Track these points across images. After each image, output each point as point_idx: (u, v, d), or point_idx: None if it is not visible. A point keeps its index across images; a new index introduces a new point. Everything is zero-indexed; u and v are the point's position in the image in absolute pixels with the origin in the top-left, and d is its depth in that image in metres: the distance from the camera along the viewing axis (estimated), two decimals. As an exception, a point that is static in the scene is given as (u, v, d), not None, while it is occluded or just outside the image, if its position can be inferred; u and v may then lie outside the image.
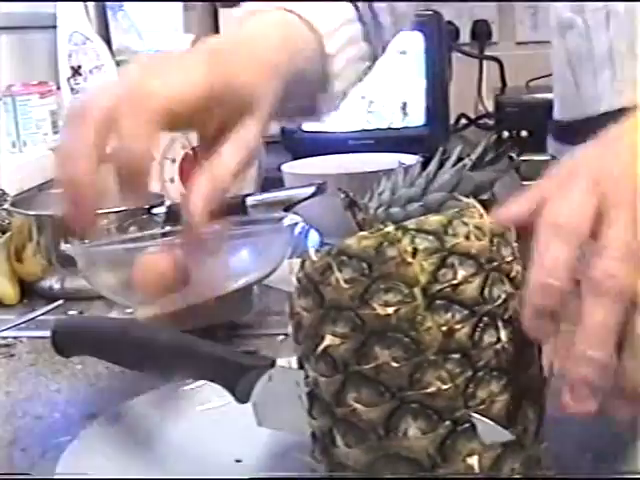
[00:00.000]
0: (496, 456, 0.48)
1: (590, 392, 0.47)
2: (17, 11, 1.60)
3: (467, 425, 0.48)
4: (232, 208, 1.04)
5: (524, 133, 1.84)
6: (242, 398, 0.57)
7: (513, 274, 0.50)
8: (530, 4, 2.38)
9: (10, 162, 1.35)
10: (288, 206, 1.01)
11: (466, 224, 0.49)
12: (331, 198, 0.97)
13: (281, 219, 0.91)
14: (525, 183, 0.58)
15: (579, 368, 0.46)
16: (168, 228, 1.01)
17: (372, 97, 1.72)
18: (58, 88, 1.58)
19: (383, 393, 0.48)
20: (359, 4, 0.87)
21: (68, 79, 1.65)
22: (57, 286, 1.02)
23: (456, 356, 0.47)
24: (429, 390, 0.47)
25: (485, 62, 2.30)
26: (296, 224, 0.88)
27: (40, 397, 0.76)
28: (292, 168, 1.24)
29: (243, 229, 0.91)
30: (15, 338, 0.90)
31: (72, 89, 1.65)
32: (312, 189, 1.02)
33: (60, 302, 0.99)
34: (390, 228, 0.49)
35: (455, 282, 0.47)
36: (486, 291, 0.48)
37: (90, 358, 0.84)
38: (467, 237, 0.49)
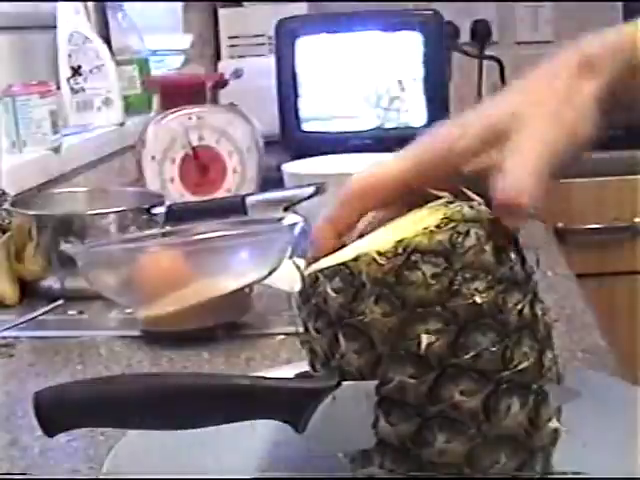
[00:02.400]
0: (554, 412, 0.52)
1: None
2: (17, 11, 1.60)
3: (543, 394, 0.51)
4: (232, 208, 1.04)
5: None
6: (303, 428, 0.51)
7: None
8: (530, 4, 2.38)
9: (10, 162, 1.35)
10: (288, 206, 1.01)
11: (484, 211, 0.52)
12: (331, 198, 0.98)
13: (281, 219, 0.91)
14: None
15: None
16: (168, 228, 1.01)
17: (372, 97, 1.72)
18: (58, 88, 1.58)
19: (480, 380, 0.49)
20: None
21: (68, 79, 1.65)
22: (57, 286, 1.02)
23: (526, 331, 0.50)
24: (520, 367, 0.49)
25: (485, 62, 2.30)
26: (296, 224, 0.88)
27: (40, 397, 0.76)
28: (292, 168, 1.24)
29: (243, 229, 0.91)
30: (15, 338, 0.90)
31: (72, 89, 1.65)
32: (312, 189, 1.02)
33: (60, 302, 0.99)
34: (443, 220, 0.50)
35: (511, 264, 0.50)
36: (525, 270, 0.52)
37: (90, 358, 0.85)
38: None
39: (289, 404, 0.51)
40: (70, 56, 1.65)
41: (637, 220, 1.83)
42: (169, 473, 0.57)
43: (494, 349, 0.49)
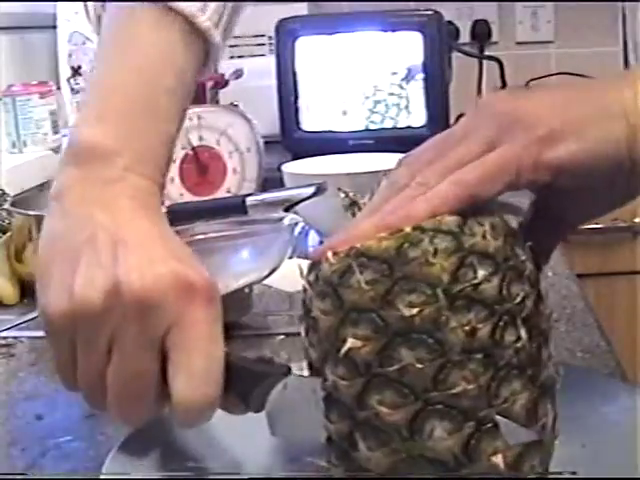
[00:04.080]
0: (517, 454, 0.49)
1: None
2: (17, 11, 1.60)
3: (490, 425, 0.48)
4: (232, 208, 1.04)
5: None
6: (256, 408, 0.55)
7: (527, 272, 0.50)
8: (530, 4, 2.38)
9: (10, 162, 1.35)
10: (288, 206, 1.01)
11: (481, 224, 0.49)
12: (331, 198, 0.97)
13: (281, 219, 0.91)
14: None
15: None
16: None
17: (372, 97, 1.72)
18: (58, 88, 1.58)
19: (407, 395, 0.48)
20: None
21: (68, 79, 1.65)
22: (57, 286, 1.01)
23: (479, 356, 0.48)
24: (454, 391, 0.47)
25: (485, 62, 2.29)
26: (296, 224, 0.88)
27: (40, 397, 0.76)
28: (292, 168, 1.24)
29: (243, 229, 0.91)
30: (15, 338, 0.90)
31: (72, 89, 1.65)
32: (312, 189, 1.02)
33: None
34: (409, 229, 0.48)
35: (476, 282, 0.48)
36: (504, 290, 0.49)
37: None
38: (484, 236, 0.49)
39: (238, 382, 0.55)
40: (70, 56, 1.65)
41: (637, 220, 1.83)
42: (169, 473, 0.57)
43: (420, 366, 0.47)
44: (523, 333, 0.49)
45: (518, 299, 0.49)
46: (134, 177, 0.60)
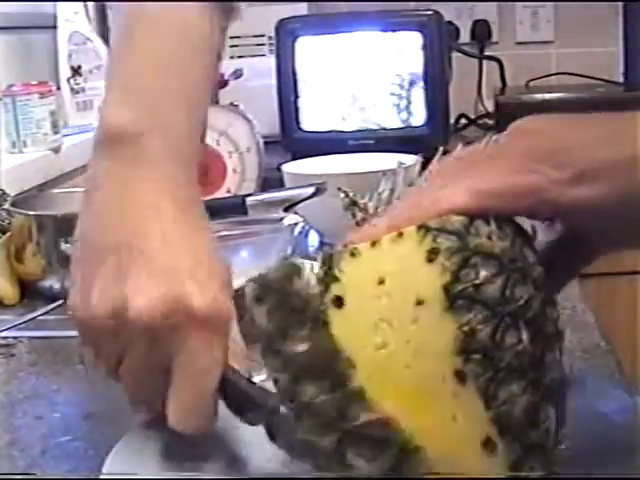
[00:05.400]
0: (516, 459, 0.48)
1: None
2: (17, 11, 1.60)
3: (413, 447, 0.47)
4: (232, 208, 1.04)
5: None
6: (250, 423, 0.57)
7: (535, 275, 0.50)
8: (530, 4, 2.38)
9: (10, 162, 1.35)
10: (288, 206, 1.01)
11: (488, 224, 0.49)
12: (331, 198, 0.98)
13: (281, 219, 0.91)
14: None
15: None
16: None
17: (372, 97, 1.72)
18: (58, 88, 1.58)
19: (323, 425, 0.48)
20: None
21: (68, 79, 1.65)
22: (57, 286, 1.02)
23: (477, 356, 0.47)
24: (359, 422, 0.47)
25: (485, 62, 2.30)
26: (296, 224, 0.88)
27: (40, 397, 0.76)
28: (292, 168, 1.24)
29: (243, 229, 0.91)
30: (15, 338, 0.90)
31: (72, 89, 1.65)
32: (312, 189, 1.02)
33: (60, 302, 0.99)
34: (414, 228, 0.48)
35: (477, 282, 0.47)
36: (508, 291, 0.48)
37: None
38: (489, 237, 0.48)
39: (235, 400, 0.56)
40: (70, 56, 1.65)
41: (637, 220, 1.83)
42: (169, 473, 0.57)
43: (323, 397, 0.47)
44: (525, 335, 0.48)
45: (522, 301, 0.48)
46: (170, 168, 0.60)
